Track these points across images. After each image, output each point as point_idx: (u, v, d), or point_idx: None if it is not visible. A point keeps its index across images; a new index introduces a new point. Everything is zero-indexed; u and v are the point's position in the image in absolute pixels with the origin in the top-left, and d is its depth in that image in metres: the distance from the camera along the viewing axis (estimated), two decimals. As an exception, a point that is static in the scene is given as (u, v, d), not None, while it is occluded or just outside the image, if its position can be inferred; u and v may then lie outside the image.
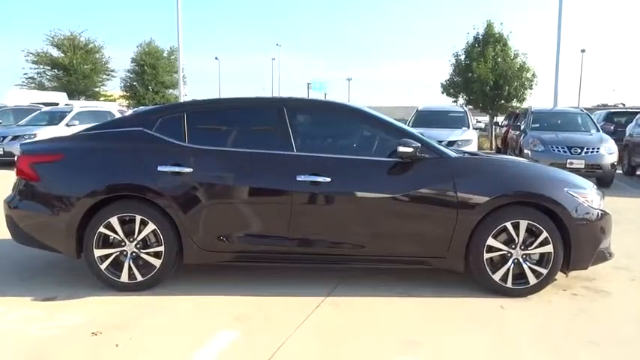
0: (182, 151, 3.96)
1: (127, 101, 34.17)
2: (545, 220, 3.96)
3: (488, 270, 3.99)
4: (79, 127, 15.23)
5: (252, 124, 4.26)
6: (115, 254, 3.94)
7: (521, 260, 3.99)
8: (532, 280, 4.00)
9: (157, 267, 3.94)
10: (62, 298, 3.85)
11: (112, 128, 4.26)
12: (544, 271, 3.99)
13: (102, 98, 34.09)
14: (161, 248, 3.92)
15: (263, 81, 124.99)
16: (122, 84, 35.98)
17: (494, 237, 3.97)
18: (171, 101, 32.58)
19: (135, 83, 34.82)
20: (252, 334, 3.27)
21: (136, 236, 3.92)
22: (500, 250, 3.99)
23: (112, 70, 36.31)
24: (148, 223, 3.89)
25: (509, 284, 4.00)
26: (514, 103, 23.05)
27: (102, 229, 3.90)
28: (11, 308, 3.65)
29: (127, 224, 3.93)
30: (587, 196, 4.10)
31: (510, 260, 3.99)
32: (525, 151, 11.22)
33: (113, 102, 31.10)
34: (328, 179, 3.88)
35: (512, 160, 5.36)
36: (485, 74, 22.02)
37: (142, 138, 4.03)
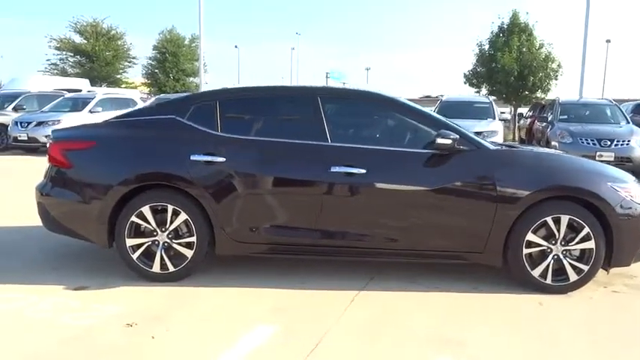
0: (215, 140, 3.89)
1: (149, 88, 34.26)
2: (587, 215, 3.81)
3: (527, 266, 3.86)
4: (102, 114, 15.31)
5: (285, 114, 4.16)
6: (146, 244, 3.89)
7: (561, 256, 3.86)
8: (573, 276, 3.87)
9: (189, 257, 3.89)
10: (94, 288, 3.82)
11: (143, 116, 4.20)
12: (585, 268, 3.85)
13: (123, 85, 34.30)
14: (193, 239, 3.87)
15: (282, 70, 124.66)
16: (144, 71, 36.13)
17: (534, 232, 3.84)
18: (192, 89, 32.66)
19: (156, 70, 34.86)
20: (290, 329, 3.20)
21: (167, 226, 3.87)
22: (540, 245, 3.85)
23: (134, 58, 36.52)
24: (180, 212, 3.84)
25: (548, 280, 3.88)
26: (538, 94, 22.61)
27: (134, 218, 3.86)
28: (43, 297, 3.64)
29: (158, 214, 3.88)
30: (630, 190, 3.93)
31: (550, 256, 3.86)
32: (553, 143, 10.96)
33: (134, 89, 31.26)
34: (363, 171, 3.78)
35: (552, 152, 5.19)
36: (510, 64, 21.57)
37: (174, 126, 3.96)
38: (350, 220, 3.87)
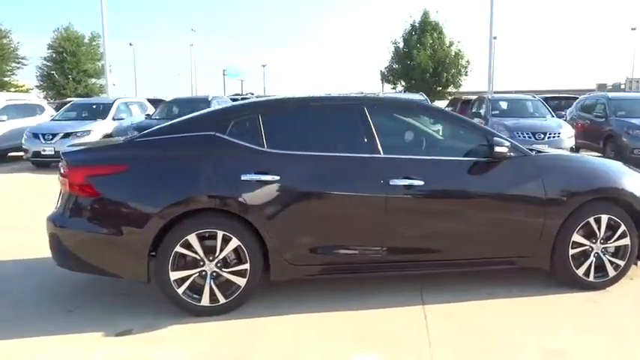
0: (265, 157, 3.56)
1: (44, 92, 31.27)
2: (623, 213, 3.99)
3: (573, 265, 3.97)
4: (8, 123, 13.81)
5: (332, 126, 3.91)
6: (193, 276, 3.48)
7: (600, 254, 4.02)
8: (611, 272, 4.04)
9: (242, 286, 3.54)
10: (139, 330, 3.35)
11: (175, 133, 3.71)
12: (622, 263, 4.04)
13: (12, 89, 30.94)
14: (246, 266, 3.52)
15: (179, 67, 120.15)
16: (38, 73, 32.85)
17: (578, 233, 3.95)
18: (96, 91, 30.34)
19: (53, 72, 31.90)
20: (391, 356, 3.00)
21: (217, 254, 3.48)
22: (584, 245, 3.98)
23: (23, 58, 33.12)
24: (231, 238, 3.47)
25: (591, 278, 4.02)
26: (450, 89, 23.88)
27: (179, 249, 3.43)
28: (88, 349, 3.12)
29: (204, 241, 3.48)
30: None
31: (592, 254, 4.00)
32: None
33: (26, 93, 28.40)
34: (422, 182, 3.66)
35: (584, 156, 5.32)
36: (425, 62, 22.58)
37: (216, 143, 3.57)
38: (409, 233, 3.74)
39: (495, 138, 3.80)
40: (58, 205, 3.69)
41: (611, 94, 13.87)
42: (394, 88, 24.89)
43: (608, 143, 11.92)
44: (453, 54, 23.46)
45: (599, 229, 3.98)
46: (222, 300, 3.52)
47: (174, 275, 3.44)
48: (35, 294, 4.00)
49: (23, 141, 12.60)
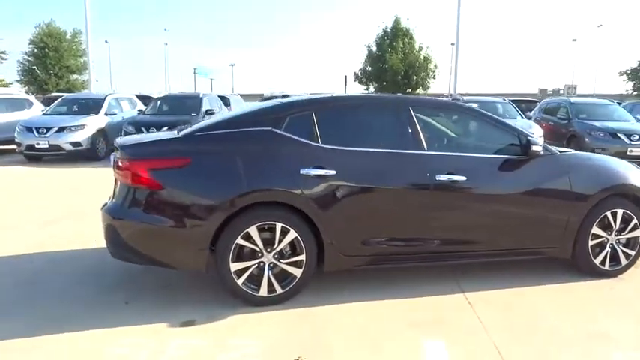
0: (322, 153, 3.48)
1: (26, 87, 29.82)
2: (635, 208, 4.11)
3: (591, 255, 4.06)
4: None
5: (380, 123, 3.85)
6: (252, 267, 3.37)
7: (615, 244, 4.12)
8: (623, 261, 4.17)
9: (298, 277, 3.45)
10: (204, 320, 3.22)
11: (231, 128, 3.56)
12: (632, 253, 4.18)
13: (-8, 83, 29.48)
14: (302, 257, 3.44)
15: (152, 66, 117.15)
16: (19, 68, 31.26)
17: (597, 225, 4.04)
18: (78, 87, 29.17)
19: (34, 67, 30.45)
20: (458, 341, 2.99)
21: (275, 246, 3.38)
22: (601, 236, 4.08)
23: (2, 52, 31.54)
24: (289, 231, 3.38)
25: (606, 266, 4.13)
26: (419, 91, 24.17)
27: (239, 240, 3.31)
28: (162, 340, 2.98)
29: (263, 233, 3.37)
30: None
31: (607, 245, 4.10)
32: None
33: (6, 87, 27.04)
34: (464, 178, 3.66)
35: (597, 155, 5.29)
36: (397, 65, 22.76)
37: (273, 139, 3.46)
38: (451, 226, 3.74)
39: (530, 138, 3.83)
40: (114, 197, 3.50)
41: (572, 99, 14.31)
42: (367, 89, 25.09)
43: (571, 143, 12.29)
44: (422, 58, 23.81)
45: (614, 222, 4.08)
46: (279, 290, 3.43)
47: (234, 266, 3.33)
48: (79, 288, 3.78)
49: (16, 134, 11.98)
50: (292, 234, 3.39)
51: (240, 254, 3.36)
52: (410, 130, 3.71)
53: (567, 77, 76.22)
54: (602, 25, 74.73)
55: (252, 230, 3.32)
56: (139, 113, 13.62)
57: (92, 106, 13.31)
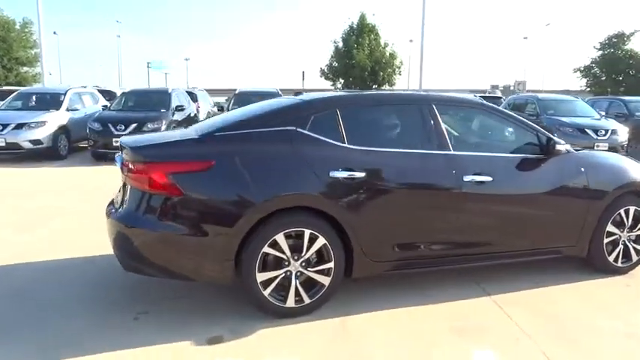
0: (348, 154, 3.29)
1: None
2: None
3: (606, 252, 4.08)
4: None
5: (405, 122, 3.69)
6: (279, 277, 3.15)
7: (627, 242, 4.16)
8: (634, 257, 4.21)
9: (326, 285, 3.26)
10: (232, 337, 2.99)
11: (252, 127, 3.31)
12: (642, 249, 4.22)
13: None
14: (330, 264, 3.25)
15: (103, 58, 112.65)
16: (-37, 59, 29.13)
17: (611, 223, 4.06)
18: (29, 80, 27.51)
19: (-20, 58, 28.48)
20: (507, 350, 2.88)
21: (303, 254, 3.18)
22: (615, 234, 4.10)
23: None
24: (318, 237, 3.18)
25: (619, 263, 4.17)
26: (385, 87, 24.29)
27: (266, 249, 3.08)
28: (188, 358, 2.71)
29: (290, 240, 3.16)
30: None
31: (620, 242, 4.13)
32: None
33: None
34: (490, 178, 3.57)
35: (612, 153, 5.27)
36: (364, 61, 22.74)
37: (298, 139, 3.24)
38: (477, 227, 3.65)
39: (554, 138, 3.80)
40: (124, 202, 3.19)
41: (540, 95, 14.66)
42: (333, 85, 24.99)
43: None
44: (388, 55, 23.93)
45: (627, 219, 4.11)
46: (306, 300, 3.23)
47: (260, 277, 3.10)
48: (79, 305, 3.45)
49: None
50: (321, 240, 3.19)
51: (265, 263, 3.13)
52: (435, 129, 3.59)
53: (518, 74, 78.94)
54: (549, 24, 78.12)
55: (280, 237, 3.10)
56: (103, 109, 12.94)
57: (51, 101, 12.51)
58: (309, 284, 3.25)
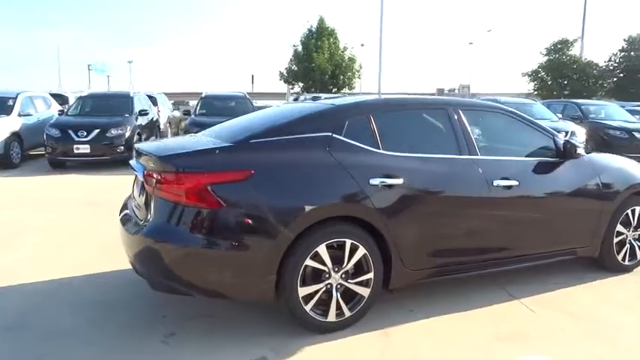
0: (384, 160, 3.21)
1: None
2: None
3: (615, 252, 4.22)
4: None
5: (433, 127, 3.65)
6: (321, 290, 3.02)
7: (632, 240, 4.32)
8: (639, 255, 4.37)
9: (366, 297, 3.16)
10: (276, 358, 2.81)
11: (287, 134, 3.15)
12: (646, 247, 4.40)
13: None
14: (370, 275, 3.15)
15: (42, 61, 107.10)
16: None
17: (620, 223, 4.20)
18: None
19: None
20: (561, 357, 2.88)
21: (344, 265, 3.06)
22: (623, 233, 4.25)
23: None
24: (359, 247, 3.08)
25: (626, 262, 4.32)
26: (345, 90, 24.41)
27: (309, 262, 2.95)
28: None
29: (331, 251, 3.03)
30: None
31: (627, 241, 4.28)
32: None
33: None
34: (517, 182, 3.60)
35: (618, 156, 5.35)
36: (324, 65, 22.76)
37: (336, 146, 3.12)
38: (504, 231, 3.66)
39: (572, 140, 3.88)
40: (150, 215, 2.95)
41: (502, 99, 15.16)
42: (292, 89, 24.84)
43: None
44: (347, 58, 24.11)
45: (633, 219, 4.27)
46: (347, 313, 3.12)
47: (302, 291, 2.95)
48: (92, 329, 3.17)
49: None
50: (361, 251, 3.09)
51: (309, 277, 2.99)
52: (463, 134, 3.57)
53: (463, 78, 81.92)
54: (491, 30, 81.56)
55: (322, 249, 2.97)
56: (59, 114, 12.23)
57: (0, 105, 11.69)
58: (348, 296, 3.13)
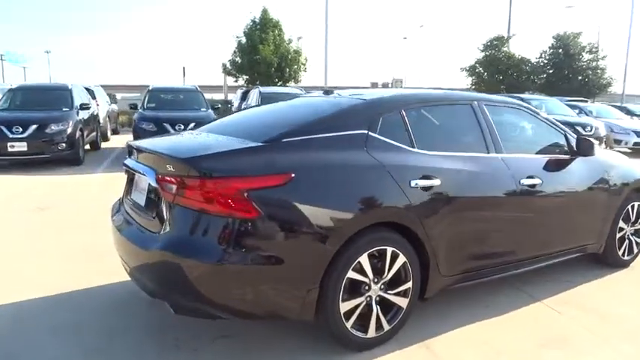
0: (420, 159, 3.00)
1: None
2: None
3: (617, 247, 4.30)
4: None
5: (461, 123, 3.47)
6: (362, 304, 2.77)
7: (630, 236, 4.43)
8: (635, 250, 4.49)
9: (404, 308, 2.95)
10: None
11: (316, 132, 2.83)
12: (640, 241, 4.52)
13: None
14: (408, 284, 2.94)
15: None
16: None
17: (622, 219, 4.28)
18: None
19: None
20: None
21: (385, 275, 2.83)
22: (624, 229, 4.34)
23: None
24: (399, 255, 2.85)
25: (626, 257, 4.41)
26: (291, 84, 24.03)
27: (351, 274, 2.68)
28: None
29: (371, 261, 2.79)
30: None
31: (626, 236, 4.38)
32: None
33: None
34: (540, 181, 3.53)
35: (617, 152, 5.42)
36: (270, 57, 22.27)
37: (373, 144, 2.87)
38: (530, 231, 3.59)
39: (586, 137, 3.87)
40: (169, 226, 2.55)
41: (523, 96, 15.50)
42: (236, 81, 24.13)
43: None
44: (293, 51, 23.75)
45: (632, 214, 4.36)
46: (386, 327, 2.89)
47: (344, 307, 2.69)
48: (104, 352, 2.73)
49: None
50: (401, 259, 2.87)
51: (349, 290, 2.73)
52: (489, 131, 3.44)
53: (397, 72, 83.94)
54: (423, 25, 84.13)
55: (364, 259, 2.72)
56: (-10, 108, 11.03)
57: None
58: (386, 309, 2.90)
